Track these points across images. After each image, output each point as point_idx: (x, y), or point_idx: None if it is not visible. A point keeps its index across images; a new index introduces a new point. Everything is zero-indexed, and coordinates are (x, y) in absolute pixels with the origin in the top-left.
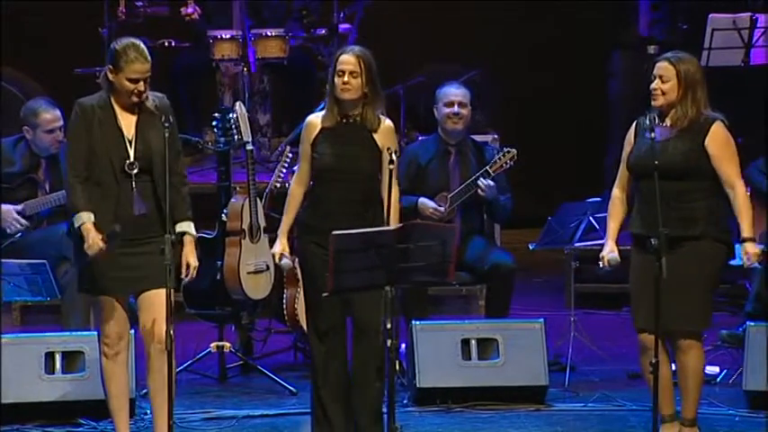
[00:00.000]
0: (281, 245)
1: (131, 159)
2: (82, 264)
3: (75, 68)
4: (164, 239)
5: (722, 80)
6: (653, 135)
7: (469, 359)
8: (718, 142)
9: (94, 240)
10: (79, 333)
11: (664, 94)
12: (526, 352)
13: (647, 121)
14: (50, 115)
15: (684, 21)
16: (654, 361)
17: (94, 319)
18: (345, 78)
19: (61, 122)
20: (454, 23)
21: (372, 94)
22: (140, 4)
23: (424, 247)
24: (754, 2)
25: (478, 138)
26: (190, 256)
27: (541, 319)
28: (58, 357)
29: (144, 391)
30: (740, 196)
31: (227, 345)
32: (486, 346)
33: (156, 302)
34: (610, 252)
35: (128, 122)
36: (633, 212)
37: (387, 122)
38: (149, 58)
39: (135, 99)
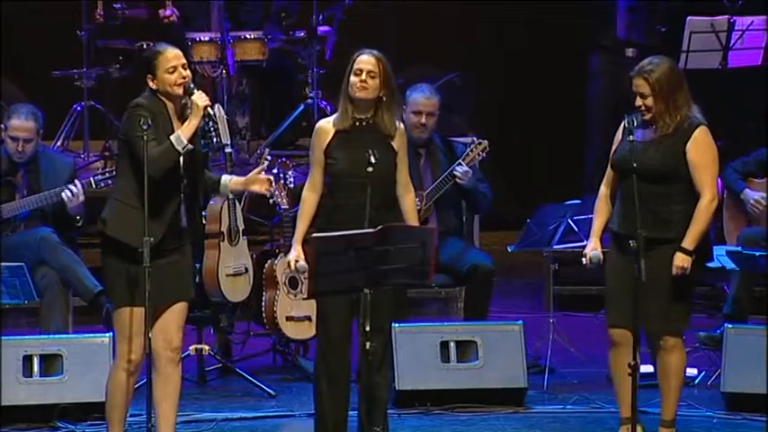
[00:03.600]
0: (296, 252)
1: (182, 169)
2: (117, 275)
3: (53, 71)
4: (188, 248)
5: (700, 83)
6: (631, 138)
7: (448, 361)
8: (699, 149)
9: (199, 96)
10: (57, 336)
11: (648, 109)
12: (505, 354)
13: (632, 122)
14: (17, 122)
15: (662, 23)
16: (632, 363)
17: (73, 323)
18: (363, 77)
19: (28, 135)
20: (433, 26)
21: (389, 99)
22: (118, 6)
23: (403, 249)
24: (731, 4)
25: (458, 140)
26: (251, 180)
27: (520, 322)
28: (36, 360)
29: None
30: (702, 206)
31: (206, 347)
32: (466, 349)
33: (174, 310)
34: (593, 249)
35: (185, 135)
36: (614, 210)
37: (400, 127)
38: (179, 50)
39: (179, 90)
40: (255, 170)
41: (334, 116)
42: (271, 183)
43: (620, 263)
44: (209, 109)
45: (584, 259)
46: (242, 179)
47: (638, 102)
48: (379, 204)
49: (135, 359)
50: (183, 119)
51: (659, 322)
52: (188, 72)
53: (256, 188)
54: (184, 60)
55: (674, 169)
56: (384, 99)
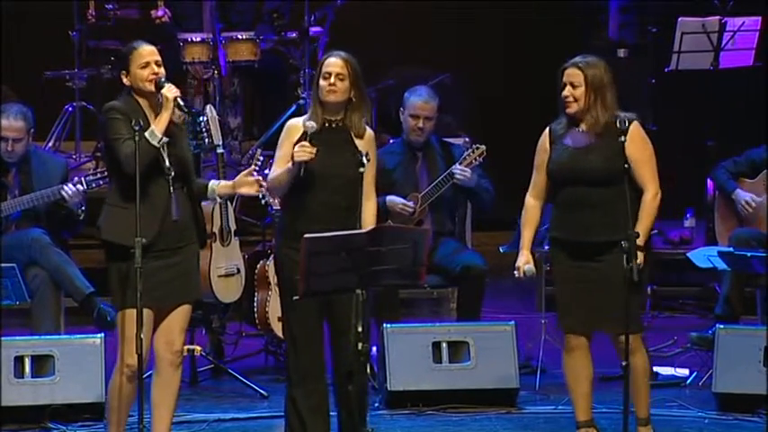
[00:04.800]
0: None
1: (168, 164)
2: (118, 277)
3: (45, 72)
4: (193, 248)
5: (692, 83)
6: (573, 145)
7: (440, 362)
8: (637, 144)
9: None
10: (49, 337)
11: (576, 100)
12: (497, 355)
13: (561, 128)
14: (6, 123)
15: (654, 24)
16: (624, 363)
17: (65, 324)
18: (332, 80)
19: (17, 135)
20: (425, 26)
21: (358, 100)
22: (110, 6)
23: (395, 250)
24: (722, 5)
25: (453, 141)
26: (239, 183)
27: (512, 322)
28: (27, 361)
29: None
30: (647, 201)
31: (198, 348)
32: (458, 349)
33: (177, 313)
34: (526, 263)
35: (158, 128)
36: (553, 218)
37: (369, 131)
38: (154, 46)
39: (151, 86)
40: (244, 172)
41: (305, 116)
42: (260, 184)
43: (569, 269)
44: (179, 100)
45: (516, 273)
46: (230, 183)
47: (566, 92)
48: (347, 206)
49: (132, 363)
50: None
51: (617, 325)
52: (161, 69)
53: (245, 191)
54: (158, 57)
55: (619, 169)
56: (354, 100)
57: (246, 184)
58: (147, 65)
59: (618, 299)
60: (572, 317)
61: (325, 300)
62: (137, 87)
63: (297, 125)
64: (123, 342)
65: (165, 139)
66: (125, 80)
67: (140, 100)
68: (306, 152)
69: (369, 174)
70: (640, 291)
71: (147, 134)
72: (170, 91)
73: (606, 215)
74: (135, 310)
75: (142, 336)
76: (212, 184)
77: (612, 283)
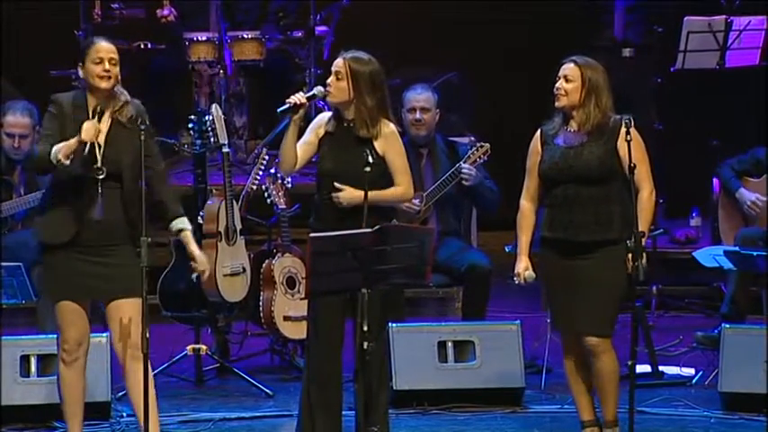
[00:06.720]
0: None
1: (99, 164)
2: (42, 268)
3: (51, 71)
4: (127, 249)
5: (698, 83)
6: (565, 144)
7: (446, 361)
8: (633, 144)
9: (86, 127)
10: (54, 336)
11: (566, 94)
12: (503, 354)
13: (552, 129)
14: (12, 119)
15: (660, 23)
16: (630, 363)
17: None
18: (329, 80)
19: (24, 131)
20: (430, 25)
21: (359, 101)
22: (116, 6)
23: (400, 249)
24: (729, 4)
25: (459, 141)
26: (196, 251)
27: (518, 321)
28: (33, 360)
29: (120, 393)
30: (643, 200)
31: (204, 347)
32: (463, 349)
33: (125, 310)
34: (525, 269)
35: (60, 152)
36: (544, 218)
37: (388, 128)
38: (114, 46)
39: (104, 84)
40: (198, 251)
41: (330, 115)
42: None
43: (559, 270)
44: (87, 144)
45: (516, 279)
46: (192, 244)
47: (559, 84)
48: (357, 205)
49: (68, 348)
50: (99, 115)
51: (592, 326)
52: (115, 69)
53: (85, 135)
54: (115, 56)
55: (612, 168)
56: (354, 101)
57: (83, 130)
58: (101, 61)
59: (596, 299)
60: (564, 319)
61: (350, 299)
62: (88, 82)
63: (324, 118)
64: (61, 333)
65: (64, 163)
66: (81, 72)
67: (89, 96)
68: (296, 96)
69: (397, 164)
70: (620, 297)
71: (54, 149)
72: (85, 131)
73: (597, 214)
74: (66, 303)
75: (147, 336)
76: (175, 225)
77: (596, 284)
